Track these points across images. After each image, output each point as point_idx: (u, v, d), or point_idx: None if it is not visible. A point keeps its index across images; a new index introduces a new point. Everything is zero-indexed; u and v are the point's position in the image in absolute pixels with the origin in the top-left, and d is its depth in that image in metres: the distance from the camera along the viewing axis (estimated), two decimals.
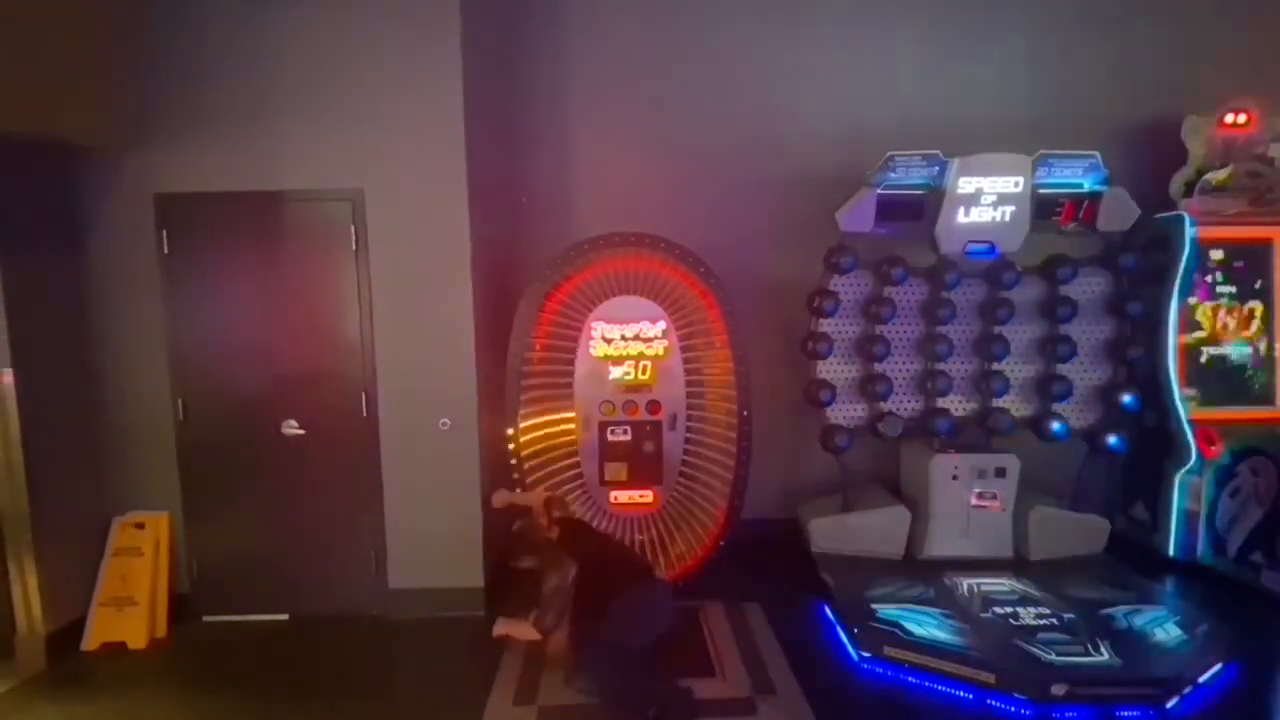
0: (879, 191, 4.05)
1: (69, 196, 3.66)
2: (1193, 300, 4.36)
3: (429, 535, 3.82)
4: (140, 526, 3.76)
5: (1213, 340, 4.39)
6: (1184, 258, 4.25)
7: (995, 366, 4.23)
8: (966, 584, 3.79)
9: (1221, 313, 4.38)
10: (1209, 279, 4.38)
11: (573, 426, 4.02)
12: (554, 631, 3.13)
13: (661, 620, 3.13)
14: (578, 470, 4.03)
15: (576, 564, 3.13)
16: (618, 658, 2.93)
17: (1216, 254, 4.36)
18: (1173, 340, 4.30)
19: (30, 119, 3.33)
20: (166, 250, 3.73)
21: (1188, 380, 4.34)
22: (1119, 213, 4.09)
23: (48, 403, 3.45)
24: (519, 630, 3.18)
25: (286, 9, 3.59)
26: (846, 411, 4.31)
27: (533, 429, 3.99)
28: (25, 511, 3.34)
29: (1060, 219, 4.12)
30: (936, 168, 4.00)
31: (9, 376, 3.27)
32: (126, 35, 3.61)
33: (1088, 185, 4.06)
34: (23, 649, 3.41)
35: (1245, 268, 4.38)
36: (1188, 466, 4.26)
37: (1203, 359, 4.38)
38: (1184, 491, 4.29)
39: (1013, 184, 4.01)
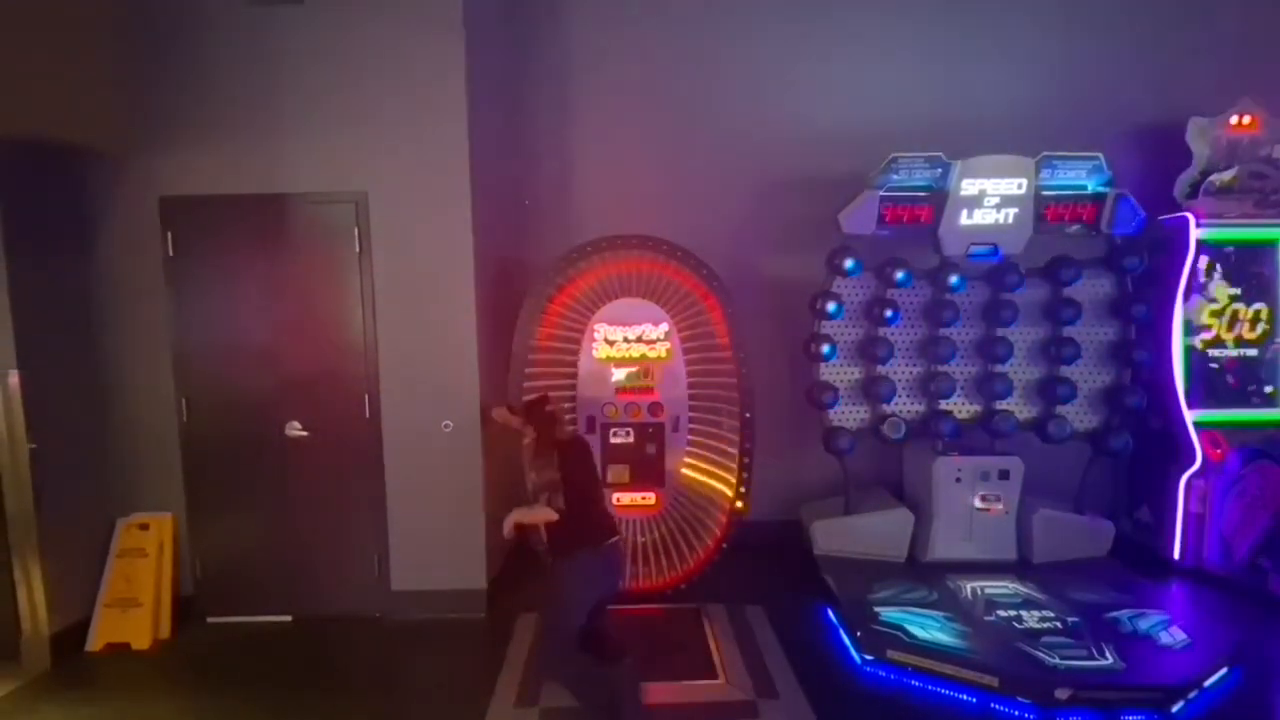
0: (882, 193, 4.05)
1: (75, 199, 3.67)
2: (1197, 302, 4.34)
3: (431, 537, 3.83)
4: (144, 528, 3.78)
5: (1217, 342, 4.37)
6: (1188, 259, 4.24)
7: (999, 368, 4.22)
8: (970, 587, 3.78)
9: (1226, 315, 4.36)
10: (1214, 281, 4.36)
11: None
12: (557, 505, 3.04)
13: (607, 584, 3.10)
14: None
15: (562, 479, 3.03)
16: (569, 647, 2.93)
17: (1221, 256, 4.34)
18: (1177, 342, 4.29)
19: (37, 122, 3.35)
20: (171, 252, 3.75)
21: (1192, 383, 4.32)
22: (1123, 214, 4.07)
23: (53, 404, 3.46)
24: (537, 515, 3.05)
25: (290, 13, 3.60)
26: (849, 413, 4.31)
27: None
28: (30, 512, 3.35)
29: (1065, 221, 4.10)
30: (939, 169, 4.00)
31: (15, 378, 3.28)
32: (132, 39, 3.63)
33: (1091, 187, 4.05)
34: (28, 649, 3.43)
35: (1250, 269, 4.36)
36: (1192, 469, 4.24)
37: (1207, 360, 4.36)
38: (1189, 495, 4.27)
39: (1016, 186, 4.00)
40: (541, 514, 3.04)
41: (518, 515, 3.06)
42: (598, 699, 2.89)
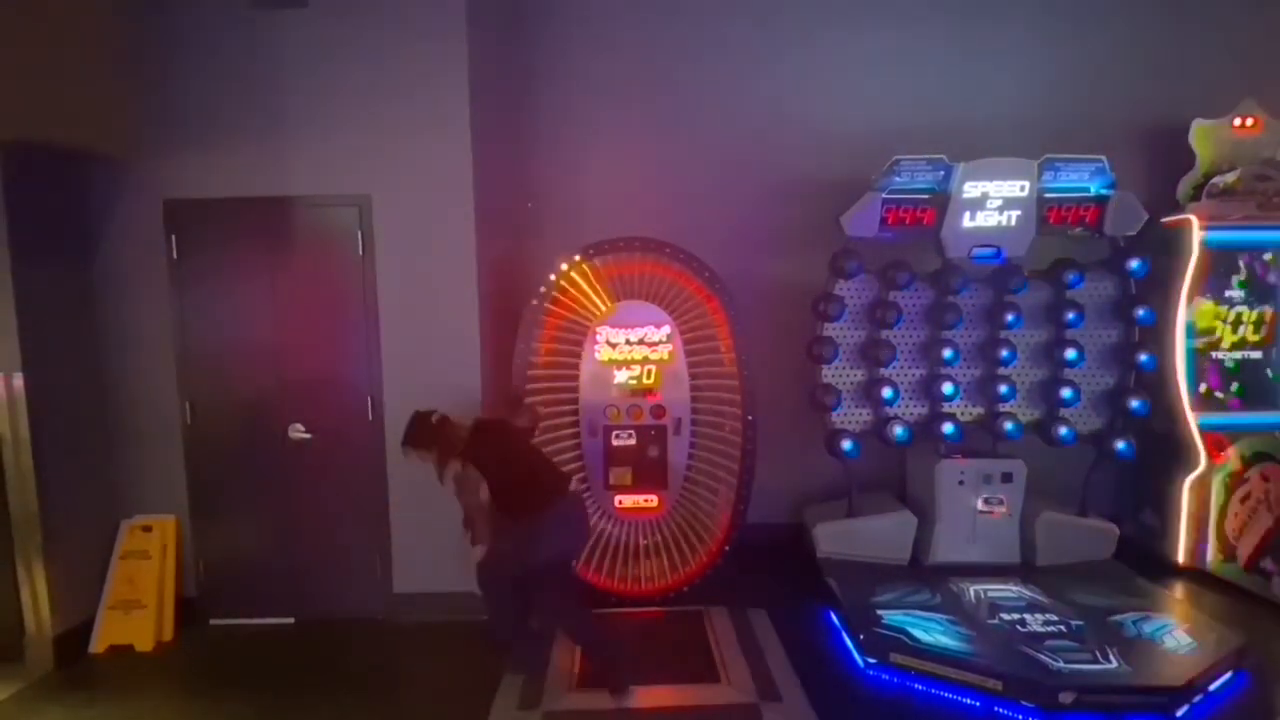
0: (884, 196, 4.05)
1: (80, 202, 3.69)
2: (1202, 303, 4.33)
3: (433, 539, 3.82)
4: (147, 529, 3.79)
5: (1220, 345, 4.36)
6: (1191, 262, 4.23)
7: (1001, 371, 4.21)
8: (973, 590, 3.77)
9: (1231, 316, 4.35)
10: (1219, 283, 4.34)
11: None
12: (488, 541, 3.17)
13: (574, 538, 3.30)
14: (582, 474, 4.04)
15: (484, 480, 3.09)
16: (505, 591, 3.18)
17: (1224, 257, 4.33)
18: (1180, 344, 4.28)
19: (42, 127, 3.36)
20: (175, 255, 3.76)
21: (1198, 369, 4.31)
22: (1126, 217, 4.07)
23: (57, 406, 3.48)
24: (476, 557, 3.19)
25: (294, 16, 3.62)
26: (852, 416, 4.30)
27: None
28: (35, 514, 3.36)
29: (1067, 223, 4.10)
30: (942, 172, 4.00)
31: (19, 380, 3.29)
32: (136, 43, 3.64)
33: (1094, 189, 4.04)
34: (31, 651, 3.44)
35: (1254, 271, 4.35)
36: (1197, 472, 4.23)
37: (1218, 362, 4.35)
38: (1193, 497, 4.26)
39: (1018, 188, 4.00)
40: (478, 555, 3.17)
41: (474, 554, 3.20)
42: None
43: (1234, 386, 4.35)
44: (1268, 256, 4.32)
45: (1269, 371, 4.35)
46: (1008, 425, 4.12)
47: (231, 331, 3.79)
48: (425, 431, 3.13)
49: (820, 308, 4.18)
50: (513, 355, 3.94)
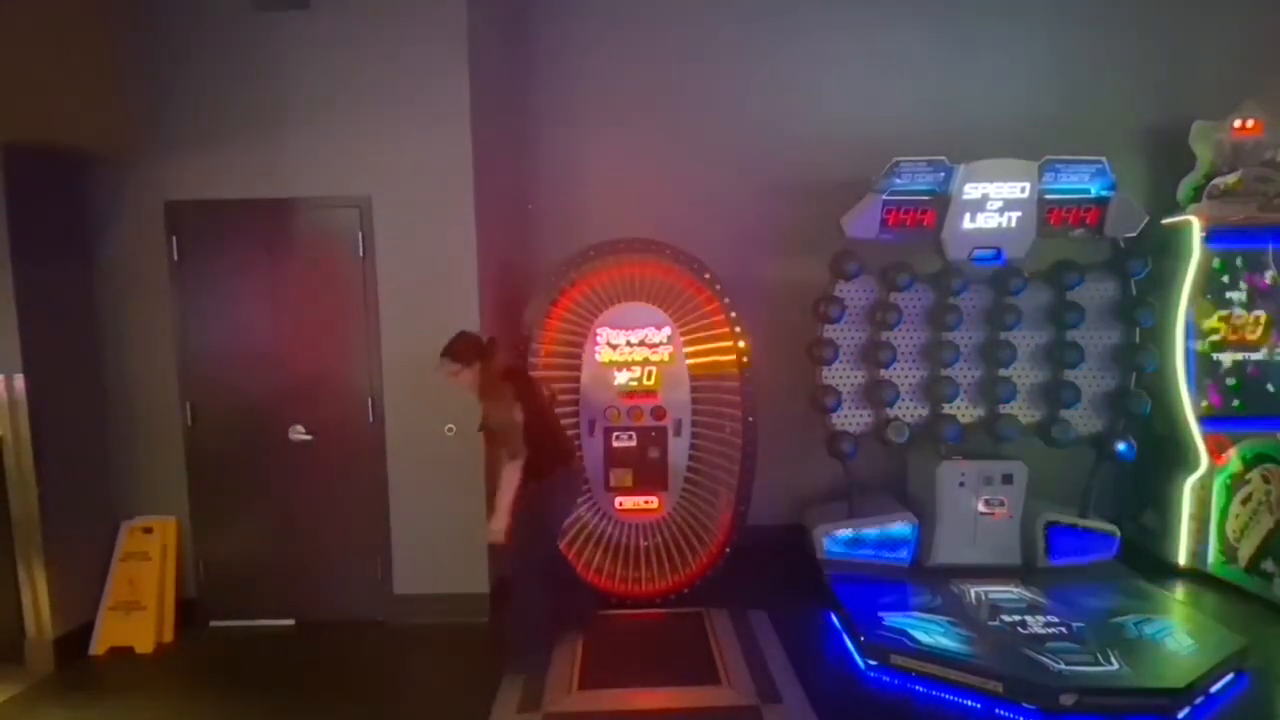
0: (885, 197, 4.05)
1: (81, 204, 3.69)
2: (1203, 305, 4.33)
3: (434, 541, 3.83)
4: (148, 531, 3.79)
5: (1221, 346, 4.35)
6: (1192, 263, 4.23)
7: (1002, 372, 4.21)
8: (974, 592, 3.77)
9: (1231, 318, 4.34)
10: (1220, 285, 4.34)
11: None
12: (521, 456, 3.06)
13: (571, 505, 3.54)
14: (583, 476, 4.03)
15: (523, 412, 3.07)
16: (535, 591, 3.21)
17: (1224, 259, 4.33)
18: (1180, 346, 4.28)
19: (43, 127, 3.37)
20: (176, 257, 3.76)
21: (1200, 387, 4.30)
22: (1126, 218, 4.06)
23: (58, 407, 3.48)
24: (508, 489, 3.06)
25: (294, 18, 3.62)
26: (853, 418, 4.30)
27: None
28: (35, 515, 3.36)
29: (1068, 225, 4.09)
30: (942, 173, 3.99)
31: (20, 381, 3.30)
32: (137, 45, 3.65)
33: (1095, 191, 4.04)
34: (31, 653, 3.44)
35: (1254, 273, 4.34)
36: (1198, 473, 4.22)
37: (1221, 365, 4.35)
38: (1194, 499, 4.26)
39: (1019, 190, 3.99)
40: (510, 481, 3.05)
41: (500, 508, 3.09)
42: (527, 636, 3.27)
43: (1235, 404, 4.32)
44: (1269, 275, 4.29)
45: (1269, 387, 4.33)
46: (1008, 427, 4.12)
47: (232, 333, 3.79)
48: (472, 344, 3.12)
49: (820, 309, 4.18)
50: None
